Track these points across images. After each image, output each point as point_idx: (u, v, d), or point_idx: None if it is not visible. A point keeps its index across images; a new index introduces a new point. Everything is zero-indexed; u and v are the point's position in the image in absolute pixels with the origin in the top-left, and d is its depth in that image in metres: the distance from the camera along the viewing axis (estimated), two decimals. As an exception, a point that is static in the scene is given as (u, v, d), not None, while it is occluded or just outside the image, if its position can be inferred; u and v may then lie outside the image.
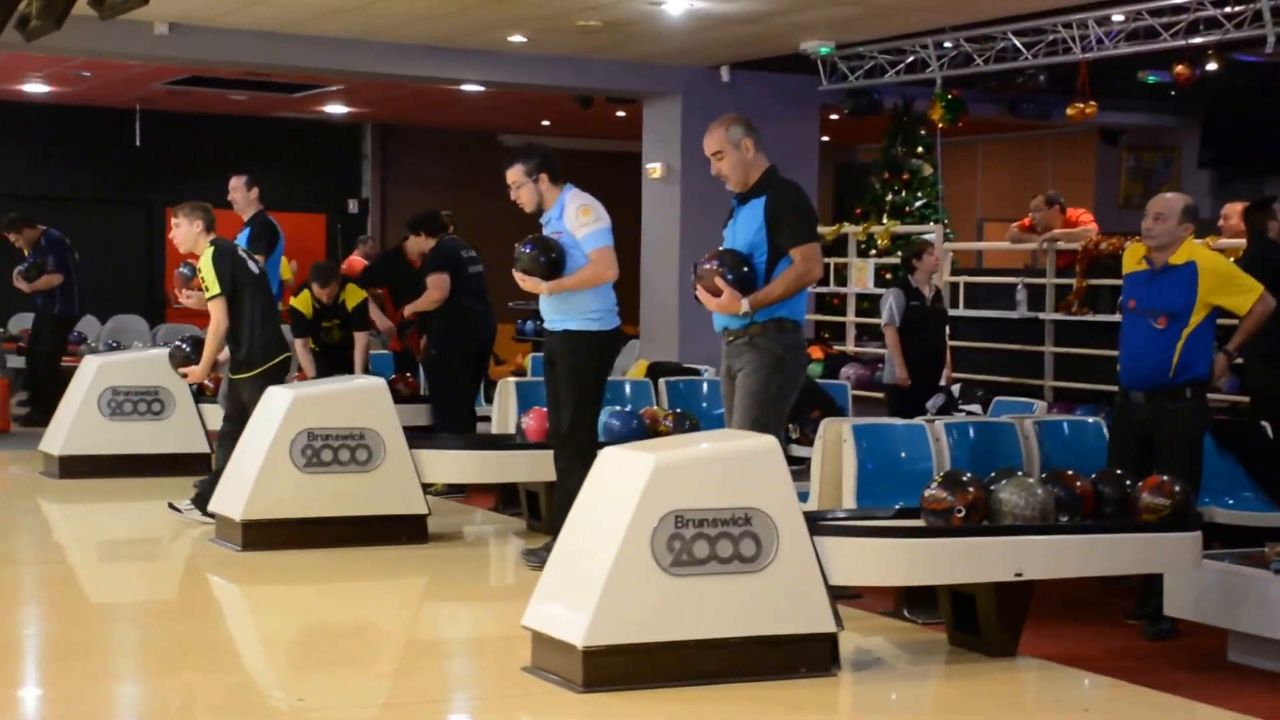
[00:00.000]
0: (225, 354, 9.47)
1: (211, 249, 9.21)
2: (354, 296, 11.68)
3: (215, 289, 9.14)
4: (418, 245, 11.35)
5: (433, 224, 11.32)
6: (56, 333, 14.75)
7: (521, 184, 8.18)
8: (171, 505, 9.62)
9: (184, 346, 10.16)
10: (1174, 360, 7.14)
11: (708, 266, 7.07)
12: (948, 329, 11.68)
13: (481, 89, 17.95)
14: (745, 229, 7.13)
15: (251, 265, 9.36)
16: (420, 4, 13.29)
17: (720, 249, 7.20)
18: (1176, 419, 7.17)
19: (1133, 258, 7.41)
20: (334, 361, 11.58)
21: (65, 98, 20.39)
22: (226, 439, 9.31)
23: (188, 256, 9.79)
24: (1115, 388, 7.55)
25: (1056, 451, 7.98)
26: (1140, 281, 7.30)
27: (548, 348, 8.26)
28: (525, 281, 8.09)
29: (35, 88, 19.52)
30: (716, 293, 7.00)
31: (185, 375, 9.69)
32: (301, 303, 11.81)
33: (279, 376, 9.30)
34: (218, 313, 9.18)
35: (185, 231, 9.33)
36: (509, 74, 16.06)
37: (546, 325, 8.23)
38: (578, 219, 8.04)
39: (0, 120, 19.71)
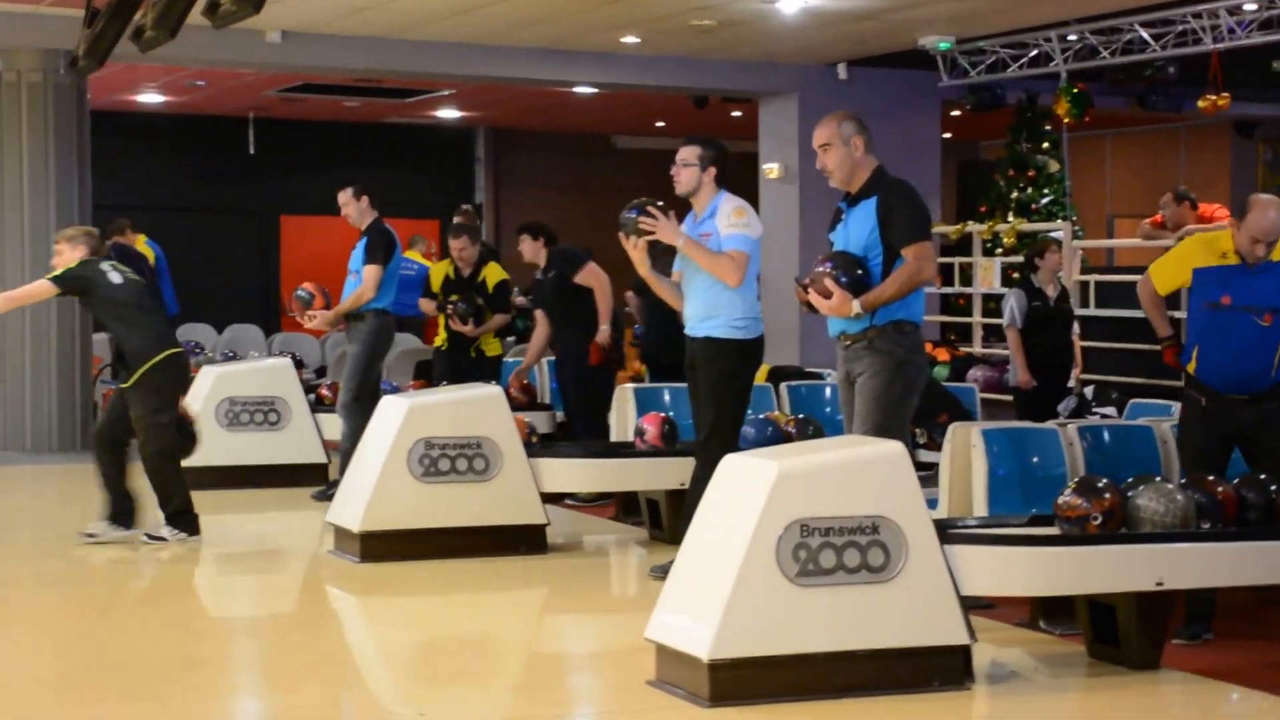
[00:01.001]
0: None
1: (89, 259, 9.26)
2: (495, 275, 11.51)
3: (58, 274, 9.18)
4: (532, 251, 11.24)
5: (548, 230, 11.25)
6: None
7: (690, 164, 8.09)
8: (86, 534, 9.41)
9: None
10: (1276, 358, 6.95)
11: (820, 269, 7.01)
12: (1076, 329, 11.51)
13: (594, 91, 17.97)
14: (858, 231, 7.06)
15: (115, 277, 9.26)
16: (531, 7, 13.32)
17: (832, 252, 7.13)
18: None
19: (1209, 251, 7.12)
20: (460, 345, 11.43)
21: (180, 107, 20.68)
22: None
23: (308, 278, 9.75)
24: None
25: (1195, 455, 7.80)
26: (1235, 276, 6.99)
27: (689, 353, 8.20)
28: (657, 226, 7.84)
29: (150, 98, 19.81)
30: (828, 296, 6.93)
31: None
32: (436, 271, 11.77)
33: (161, 384, 9.14)
34: (37, 287, 9.29)
35: (66, 259, 9.34)
36: (622, 75, 16.06)
37: (688, 331, 8.16)
38: (729, 218, 7.96)
39: (116, 131, 19.99)
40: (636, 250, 7.94)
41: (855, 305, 6.90)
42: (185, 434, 9.62)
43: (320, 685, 6.41)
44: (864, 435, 6.83)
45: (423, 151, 23.18)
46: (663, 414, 9.48)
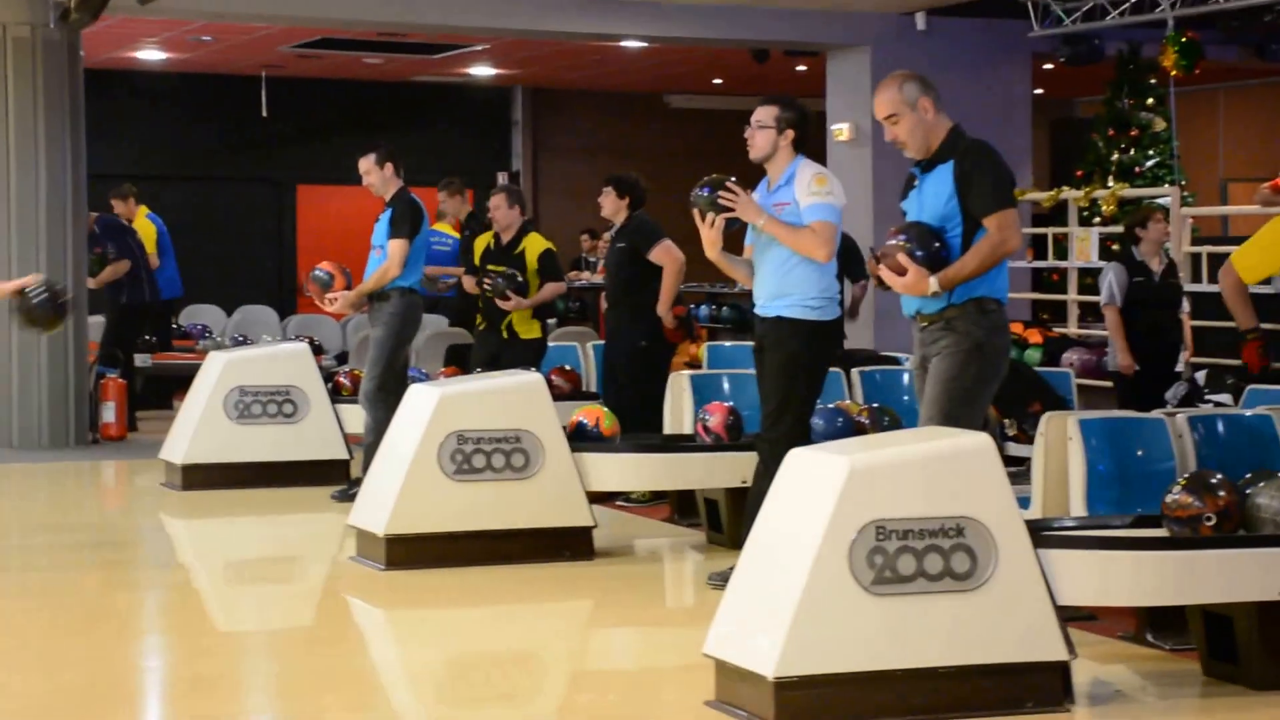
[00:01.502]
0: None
1: None
2: (536, 245, 11.45)
3: None
4: (613, 208, 11.14)
5: (637, 191, 11.08)
6: (127, 326, 14.89)
7: (766, 126, 8.08)
8: None
9: None
10: None
11: (892, 243, 6.99)
12: (1185, 307, 11.43)
13: (644, 45, 17.94)
14: (934, 200, 7.03)
15: None
16: (575, -50, 13.30)
17: (906, 223, 7.10)
18: None
19: None
20: (496, 324, 11.39)
21: (184, 65, 20.76)
22: None
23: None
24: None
25: (1323, 448, 7.74)
26: None
27: (758, 334, 8.20)
28: (737, 203, 7.86)
29: (151, 55, 19.89)
30: (901, 272, 6.89)
31: None
32: (479, 242, 11.77)
33: None
34: None
35: None
36: (674, 27, 16.03)
37: (757, 310, 8.15)
38: (810, 186, 7.95)
39: (113, 92, 20.08)
40: (713, 230, 7.93)
41: (932, 282, 6.87)
42: (51, 304, 9.39)
43: (341, 707, 6.43)
44: (931, 424, 6.81)
45: (453, 113, 23.22)
46: (729, 405, 9.43)
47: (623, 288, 10.98)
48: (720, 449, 9.24)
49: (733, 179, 8.00)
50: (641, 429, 10.34)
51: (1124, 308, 10.93)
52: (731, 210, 7.88)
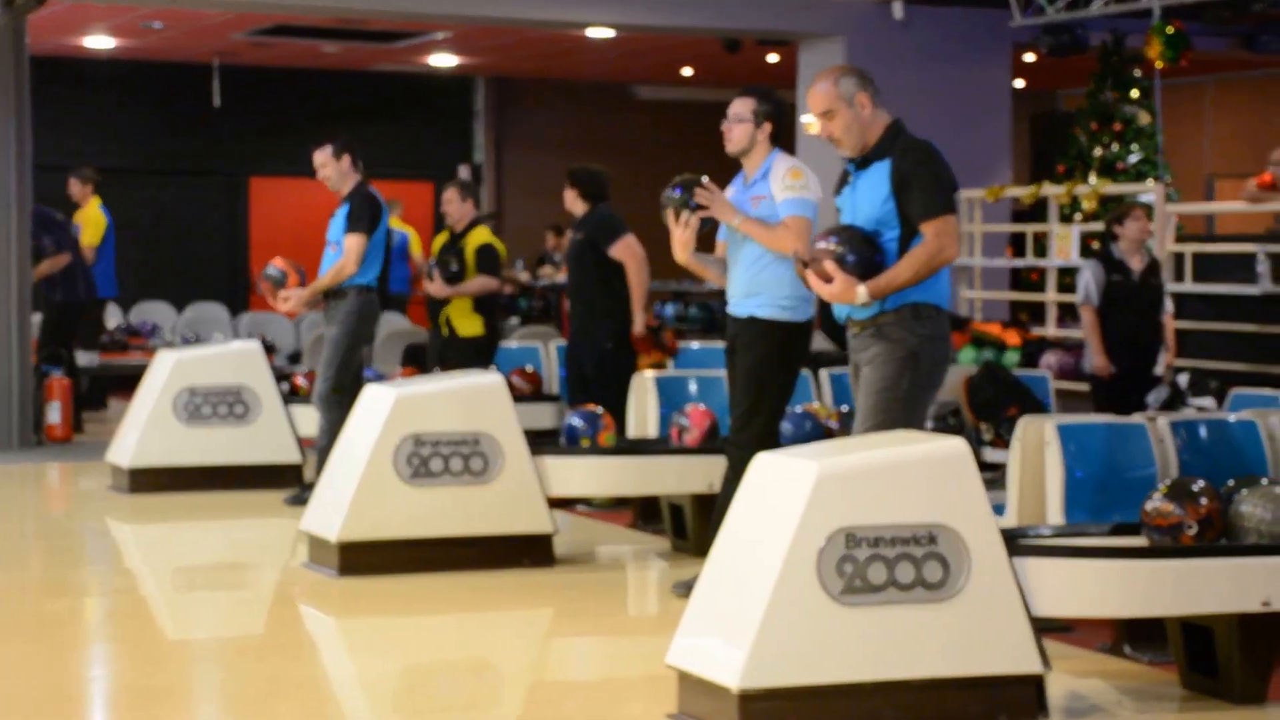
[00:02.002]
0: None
1: None
2: (479, 238, 11.45)
3: None
4: (569, 200, 11.15)
5: (587, 183, 11.05)
6: (61, 324, 14.80)
7: (744, 120, 8.11)
8: None
9: None
10: None
11: (822, 246, 6.90)
12: (1169, 308, 11.49)
13: (611, 34, 17.94)
14: (869, 200, 6.97)
15: None
16: (539, -66, 13.31)
17: (839, 225, 7.04)
18: None
19: None
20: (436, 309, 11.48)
21: (133, 53, 20.70)
22: None
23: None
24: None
25: (1308, 454, 7.78)
26: None
27: (730, 334, 8.23)
28: (713, 202, 7.89)
29: (98, 42, 19.82)
30: (828, 279, 6.86)
31: None
32: (436, 240, 11.82)
33: None
34: None
35: None
36: (642, 15, 16.02)
37: (729, 309, 8.17)
38: (785, 179, 7.99)
39: (60, 80, 20.02)
40: (686, 230, 7.92)
41: (861, 292, 6.78)
42: None
43: (294, 718, 6.43)
44: (864, 436, 6.79)
45: (413, 104, 23.20)
46: (712, 413, 9.43)
47: (582, 283, 10.98)
48: (686, 453, 9.26)
49: (705, 178, 8.02)
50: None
51: (1101, 308, 10.97)
52: (707, 209, 7.90)
